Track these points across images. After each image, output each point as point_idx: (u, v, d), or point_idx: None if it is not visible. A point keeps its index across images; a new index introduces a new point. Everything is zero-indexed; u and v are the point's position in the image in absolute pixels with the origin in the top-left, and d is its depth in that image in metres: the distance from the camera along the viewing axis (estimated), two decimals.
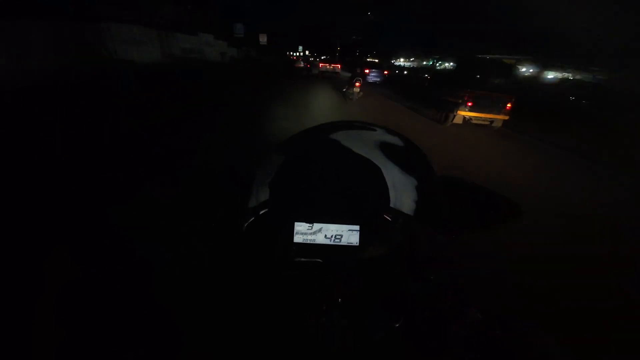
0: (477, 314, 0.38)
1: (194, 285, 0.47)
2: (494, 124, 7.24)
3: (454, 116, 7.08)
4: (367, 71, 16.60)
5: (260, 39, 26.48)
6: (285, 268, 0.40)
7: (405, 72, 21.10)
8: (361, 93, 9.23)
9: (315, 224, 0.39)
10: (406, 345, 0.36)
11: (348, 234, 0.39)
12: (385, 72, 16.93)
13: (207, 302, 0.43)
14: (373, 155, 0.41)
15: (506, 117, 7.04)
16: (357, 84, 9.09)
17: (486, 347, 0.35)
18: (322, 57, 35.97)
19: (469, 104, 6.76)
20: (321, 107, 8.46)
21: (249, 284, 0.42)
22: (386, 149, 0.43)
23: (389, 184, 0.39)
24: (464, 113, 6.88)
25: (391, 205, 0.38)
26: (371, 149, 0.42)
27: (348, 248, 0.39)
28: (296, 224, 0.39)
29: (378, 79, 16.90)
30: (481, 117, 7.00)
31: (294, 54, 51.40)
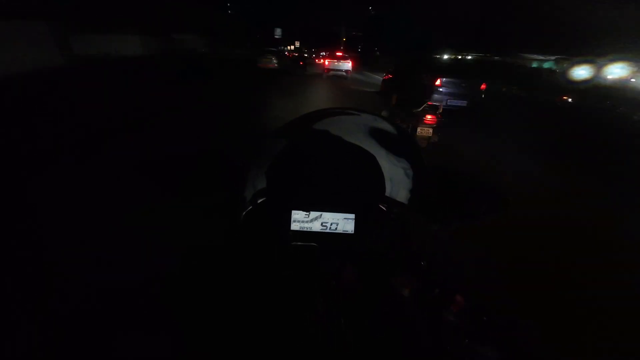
0: (464, 301, 0.39)
1: (193, 285, 0.46)
2: None
3: None
4: (437, 83, 7.04)
5: None
6: (282, 255, 0.41)
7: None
8: (436, 138, 3.89)
9: (312, 212, 0.41)
10: (398, 330, 0.37)
11: (344, 222, 0.41)
12: (483, 86, 7.42)
13: (206, 301, 0.42)
14: (367, 144, 0.42)
15: None
16: (430, 117, 3.79)
17: (473, 332, 0.36)
18: (323, 53, 25.95)
19: None
20: None
21: (248, 280, 0.42)
22: (379, 136, 0.43)
23: (385, 173, 0.41)
24: None
25: (386, 194, 0.40)
26: (365, 137, 0.42)
27: (343, 236, 0.41)
28: (293, 212, 0.41)
29: (463, 103, 7.15)
30: None
31: (285, 48, 39.33)
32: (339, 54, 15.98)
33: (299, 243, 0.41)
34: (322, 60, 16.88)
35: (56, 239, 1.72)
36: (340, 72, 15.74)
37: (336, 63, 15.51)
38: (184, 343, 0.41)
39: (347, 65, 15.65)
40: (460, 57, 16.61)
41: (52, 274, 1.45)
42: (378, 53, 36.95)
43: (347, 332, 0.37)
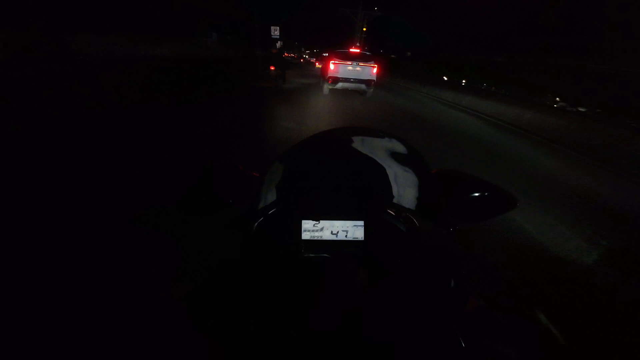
0: (477, 301, 0.39)
1: (202, 286, 0.46)
2: None
3: None
4: None
5: None
6: (294, 265, 0.42)
7: None
8: None
9: (321, 221, 0.41)
10: (412, 334, 0.37)
11: (353, 230, 0.41)
12: None
13: (216, 301, 0.43)
14: (375, 154, 0.43)
15: None
16: None
17: (488, 332, 0.36)
18: (325, 54, 18.01)
19: None
20: None
21: (259, 282, 0.43)
22: (388, 150, 0.44)
23: (392, 180, 0.41)
24: None
25: (394, 200, 0.40)
26: (373, 149, 0.44)
27: (354, 243, 0.42)
28: (303, 221, 0.41)
29: None
30: None
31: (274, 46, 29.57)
32: (354, 51, 8.76)
33: (311, 255, 0.40)
34: (321, 64, 9.71)
35: (65, 241, 1.68)
36: (356, 85, 8.55)
37: (349, 68, 8.32)
38: (186, 345, 0.38)
39: (369, 72, 8.51)
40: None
41: (60, 276, 1.42)
42: (409, 54, 29.59)
43: (360, 336, 0.36)
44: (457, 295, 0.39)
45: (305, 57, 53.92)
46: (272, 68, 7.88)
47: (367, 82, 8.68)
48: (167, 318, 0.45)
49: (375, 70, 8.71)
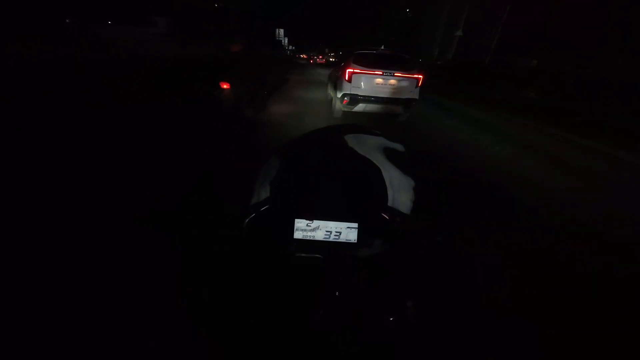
0: (473, 306, 0.36)
1: (198, 283, 0.45)
2: None
3: None
4: None
5: None
6: (286, 263, 0.39)
7: None
8: None
9: (314, 221, 0.41)
10: (404, 338, 0.34)
11: (347, 231, 0.41)
12: None
13: (210, 299, 0.42)
14: (372, 156, 0.42)
15: None
16: None
17: (484, 337, 0.34)
18: (339, 51, 13.98)
19: None
20: None
21: (251, 280, 0.40)
22: (385, 151, 0.43)
23: (387, 183, 0.40)
24: None
25: (389, 204, 0.40)
26: (370, 150, 0.42)
27: (347, 245, 0.41)
28: (296, 220, 0.41)
29: None
30: None
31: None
32: (386, 52, 5.35)
33: (303, 255, 0.38)
34: (336, 69, 6.26)
35: (65, 241, 1.65)
36: (386, 107, 5.20)
37: (378, 81, 4.93)
38: (184, 343, 0.37)
39: (409, 87, 5.22)
40: None
41: (60, 277, 1.40)
42: (534, 62, 23.60)
43: (352, 338, 0.33)
44: (451, 301, 0.33)
45: (314, 58, 50.89)
46: (225, 86, 4.05)
47: (405, 102, 5.39)
48: (167, 318, 0.40)
49: (418, 83, 5.38)
